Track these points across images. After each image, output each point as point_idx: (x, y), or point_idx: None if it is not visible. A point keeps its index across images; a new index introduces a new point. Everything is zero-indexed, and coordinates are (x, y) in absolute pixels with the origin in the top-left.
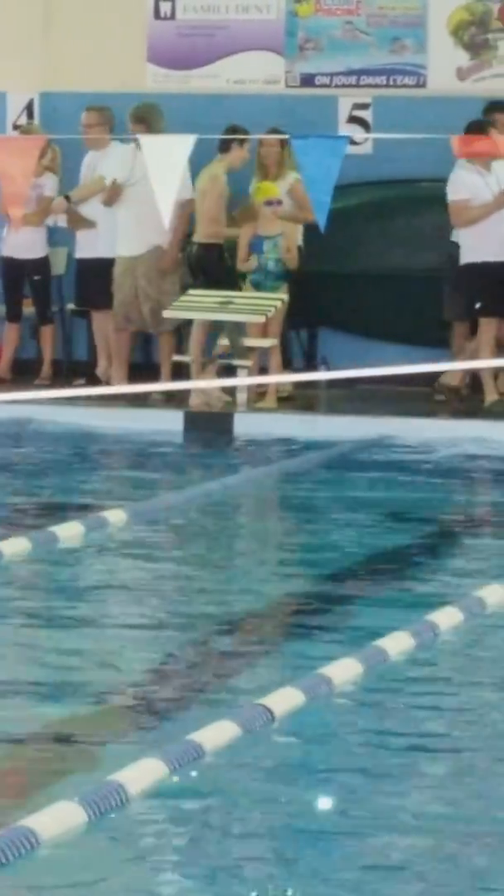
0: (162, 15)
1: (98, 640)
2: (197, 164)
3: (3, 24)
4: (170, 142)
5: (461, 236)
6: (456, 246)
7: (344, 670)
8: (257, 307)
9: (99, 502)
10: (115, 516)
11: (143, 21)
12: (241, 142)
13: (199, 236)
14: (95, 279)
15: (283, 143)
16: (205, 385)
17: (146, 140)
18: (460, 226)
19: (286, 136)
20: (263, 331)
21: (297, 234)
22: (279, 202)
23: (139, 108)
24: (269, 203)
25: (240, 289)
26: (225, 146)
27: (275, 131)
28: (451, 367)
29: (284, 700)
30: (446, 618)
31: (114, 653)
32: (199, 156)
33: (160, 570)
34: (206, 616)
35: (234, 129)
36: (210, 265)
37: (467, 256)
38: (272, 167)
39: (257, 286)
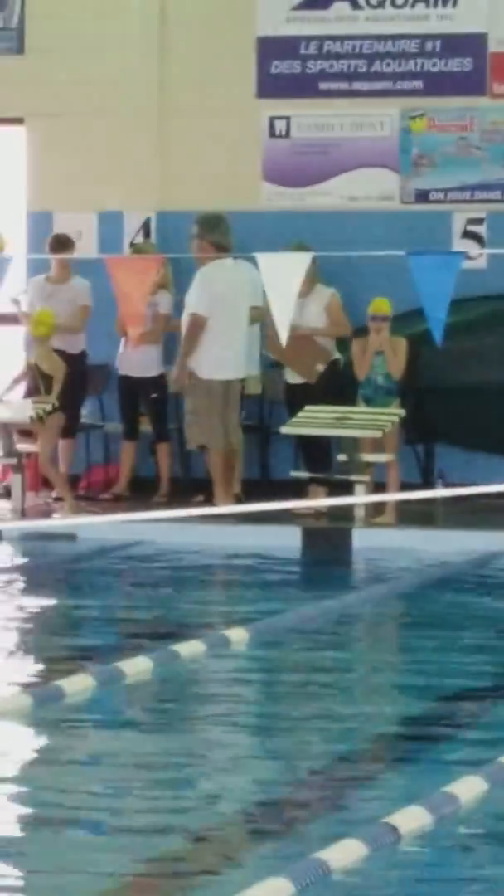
0: (277, 133)
1: None
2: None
3: (121, 146)
4: (287, 260)
5: None
6: None
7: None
8: (374, 423)
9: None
10: (237, 635)
11: (259, 139)
12: None
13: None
14: None
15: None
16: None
17: (263, 259)
18: None
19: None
20: (379, 446)
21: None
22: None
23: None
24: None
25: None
26: None
27: (301, 247)
28: None
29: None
30: None
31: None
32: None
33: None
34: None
35: None
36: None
37: None
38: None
39: (368, 402)
